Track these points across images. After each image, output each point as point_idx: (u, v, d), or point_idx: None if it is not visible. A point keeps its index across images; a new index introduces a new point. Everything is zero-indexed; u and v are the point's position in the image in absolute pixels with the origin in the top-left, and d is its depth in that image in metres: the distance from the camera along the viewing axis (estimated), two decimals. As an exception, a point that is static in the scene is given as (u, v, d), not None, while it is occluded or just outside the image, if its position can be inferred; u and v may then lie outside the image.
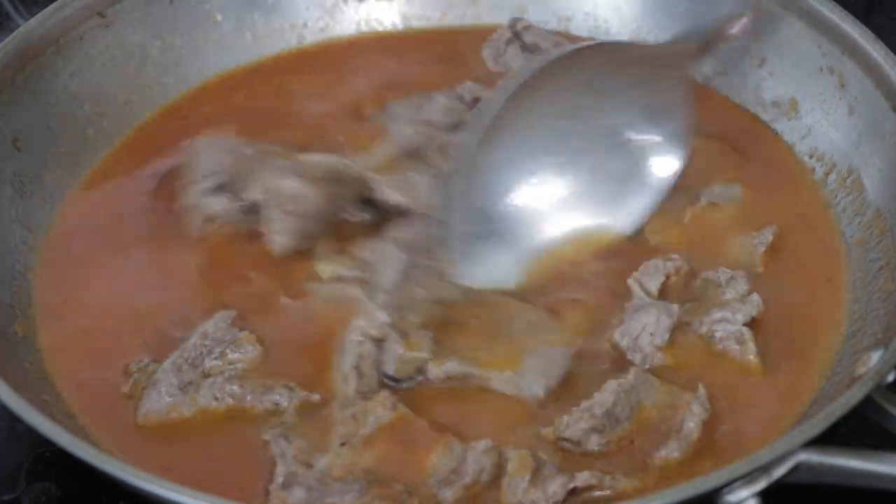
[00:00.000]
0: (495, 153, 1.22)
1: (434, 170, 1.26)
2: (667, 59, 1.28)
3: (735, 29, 1.33)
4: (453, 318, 1.16)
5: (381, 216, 1.23)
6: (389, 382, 1.11)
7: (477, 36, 1.47)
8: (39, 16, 1.33)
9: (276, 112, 1.39)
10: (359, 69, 1.45)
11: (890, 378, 1.04)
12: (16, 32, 1.31)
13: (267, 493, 1.03)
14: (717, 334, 1.14)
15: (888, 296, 1.16)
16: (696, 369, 1.13)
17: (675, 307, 1.15)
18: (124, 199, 1.30)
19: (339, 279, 1.19)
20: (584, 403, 1.07)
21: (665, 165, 1.27)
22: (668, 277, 1.18)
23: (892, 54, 1.27)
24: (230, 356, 1.12)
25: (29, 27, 1.32)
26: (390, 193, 1.23)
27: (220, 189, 1.24)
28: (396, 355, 1.11)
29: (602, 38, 1.46)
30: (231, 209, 1.23)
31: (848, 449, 0.99)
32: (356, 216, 1.23)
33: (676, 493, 0.96)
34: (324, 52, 1.48)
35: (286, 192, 1.21)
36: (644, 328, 1.13)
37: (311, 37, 1.49)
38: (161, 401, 1.09)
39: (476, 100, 1.34)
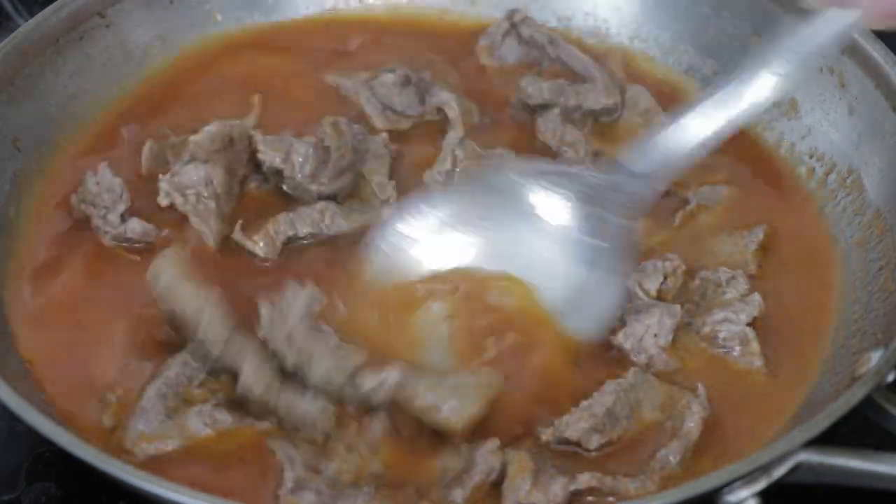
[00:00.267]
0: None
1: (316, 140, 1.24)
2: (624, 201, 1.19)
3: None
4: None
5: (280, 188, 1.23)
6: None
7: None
8: (39, 16, 1.33)
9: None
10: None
11: (890, 378, 1.04)
12: (16, 32, 1.31)
13: (276, 498, 1.02)
14: (721, 335, 1.14)
15: (888, 296, 1.16)
16: (696, 369, 1.13)
17: (678, 307, 1.15)
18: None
19: None
20: (584, 403, 1.07)
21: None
22: (665, 277, 1.18)
23: (892, 54, 1.27)
24: (211, 385, 1.09)
25: (29, 27, 1.32)
26: (266, 151, 1.23)
27: (126, 214, 1.21)
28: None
29: (602, 37, 1.46)
30: (148, 228, 1.21)
31: (848, 449, 0.99)
32: (259, 184, 1.24)
33: (676, 493, 0.97)
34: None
35: (194, 179, 1.20)
36: (647, 329, 1.13)
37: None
38: (150, 427, 1.06)
39: None
